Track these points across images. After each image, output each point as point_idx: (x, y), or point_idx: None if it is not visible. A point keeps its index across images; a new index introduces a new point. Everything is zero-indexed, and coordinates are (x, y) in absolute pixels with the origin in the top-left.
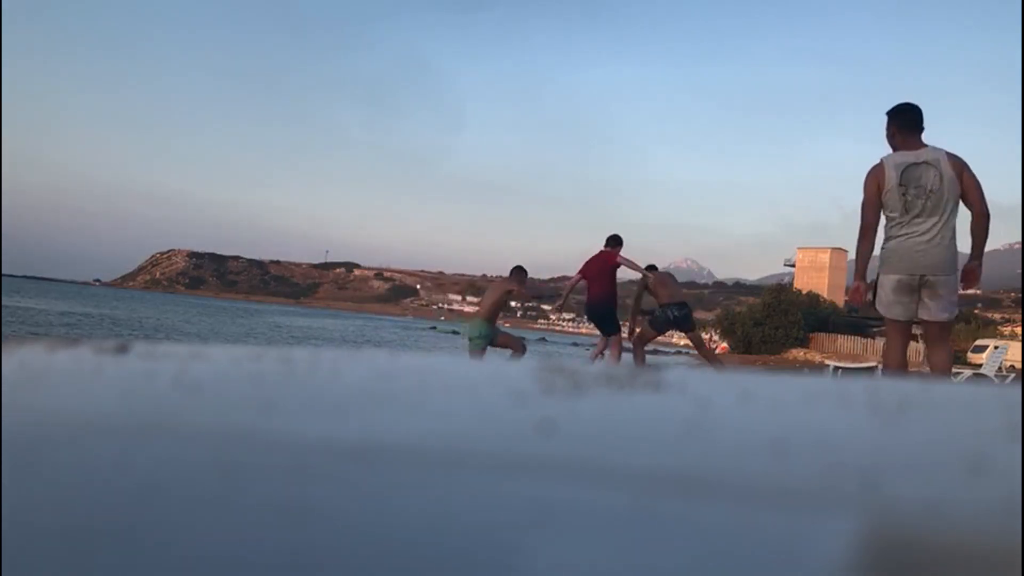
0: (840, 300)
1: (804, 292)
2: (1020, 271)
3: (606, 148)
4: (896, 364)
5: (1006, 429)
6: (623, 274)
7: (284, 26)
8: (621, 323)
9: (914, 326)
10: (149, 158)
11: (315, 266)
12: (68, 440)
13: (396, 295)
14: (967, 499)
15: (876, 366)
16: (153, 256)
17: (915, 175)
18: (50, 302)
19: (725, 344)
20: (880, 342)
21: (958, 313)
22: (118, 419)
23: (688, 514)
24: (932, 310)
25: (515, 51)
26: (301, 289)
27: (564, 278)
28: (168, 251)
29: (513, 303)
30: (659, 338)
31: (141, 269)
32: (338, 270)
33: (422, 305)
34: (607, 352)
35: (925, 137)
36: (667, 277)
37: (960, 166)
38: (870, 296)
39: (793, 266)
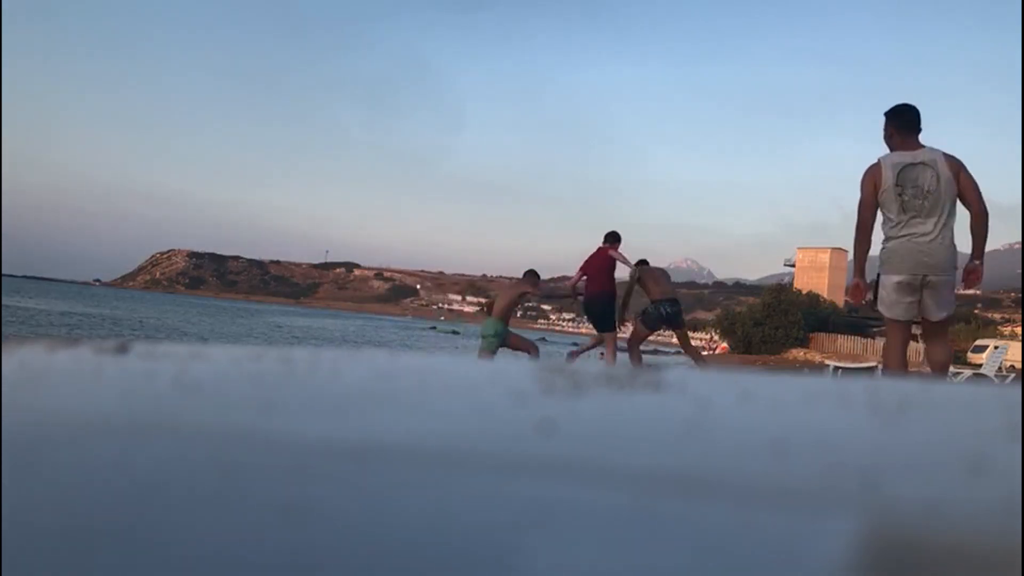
0: (840, 300)
1: (804, 292)
2: (1020, 271)
3: (606, 148)
4: (896, 364)
5: (1006, 429)
6: (621, 273)
7: (284, 26)
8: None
9: (913, 326)
10: (149, 158)
11: (315, 266)
12: (68, 440)
13: (396, 295)
14: (967, 499)
15: (876, 366)
16: (153, 256)
17: (912, 175)
18: (50, 302)
19: (725, 344)
20: (880, 342)
21: (955, 312)
22: (118, 419)
23: (688, 514)
24: (932, 309)
25: (515, 51)
26: (301, 289)
27: (564, 278)
28: (168, 251)
29: None
30: (659, 338)
31: (141, 269)
32: (338, 270)
33: (422, 305)
34: (597, 350)
35: (925, 137)
36: (659, 272)
37: (957, 166)
38: (870, 296)
39: (793, 266)
